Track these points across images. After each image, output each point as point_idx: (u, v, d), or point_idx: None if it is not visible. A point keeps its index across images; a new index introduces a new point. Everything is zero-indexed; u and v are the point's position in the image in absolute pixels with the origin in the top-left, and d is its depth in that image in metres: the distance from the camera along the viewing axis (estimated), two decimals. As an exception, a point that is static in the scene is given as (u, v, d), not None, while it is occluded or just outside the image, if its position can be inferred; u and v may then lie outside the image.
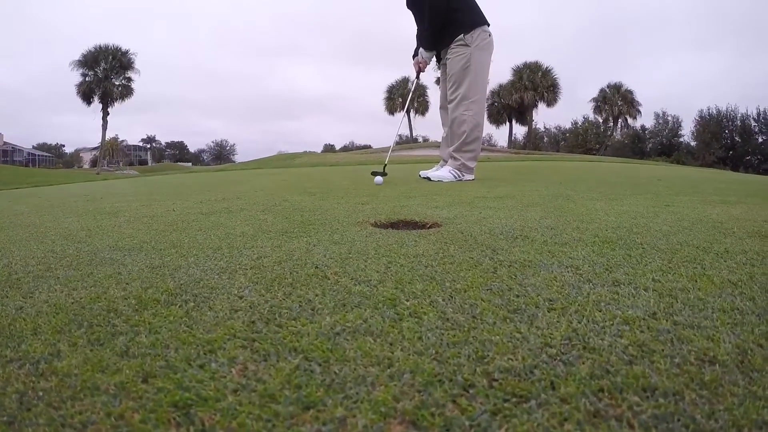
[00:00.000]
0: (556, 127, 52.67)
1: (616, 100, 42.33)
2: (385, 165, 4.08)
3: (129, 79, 40.01)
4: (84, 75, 39.02)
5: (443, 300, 0.83)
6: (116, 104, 39.65)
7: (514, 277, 0.96)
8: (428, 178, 3.83)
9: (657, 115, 40.65)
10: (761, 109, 33.96)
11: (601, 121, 44.44)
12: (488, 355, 0.62)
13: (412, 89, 6.09)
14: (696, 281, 0.92)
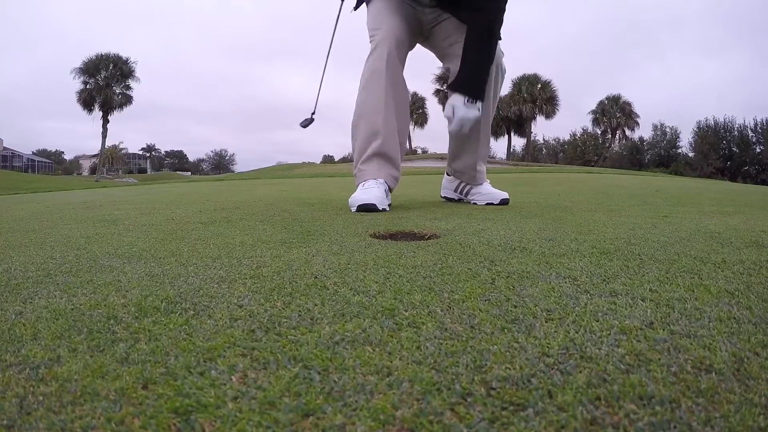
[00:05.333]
0: (554, 139, 52.96)
1: (614, 113, 42.60)
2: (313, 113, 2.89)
3: (128, 87, 40.23)
4: (85, 83, 39.23)
5: (441, 310, 0.83)
6: (115, 112, 39.85)
7: (512, 287, 0.97)
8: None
9: (655, 127, 40.91)
10: (759, 120, 34.22)
11: (599, 133, 44.68)
12: (486, 365, 0.62)
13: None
14: (693, 291, 0.93)
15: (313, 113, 2.84)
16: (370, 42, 2.43)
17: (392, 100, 2.37)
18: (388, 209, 2.30)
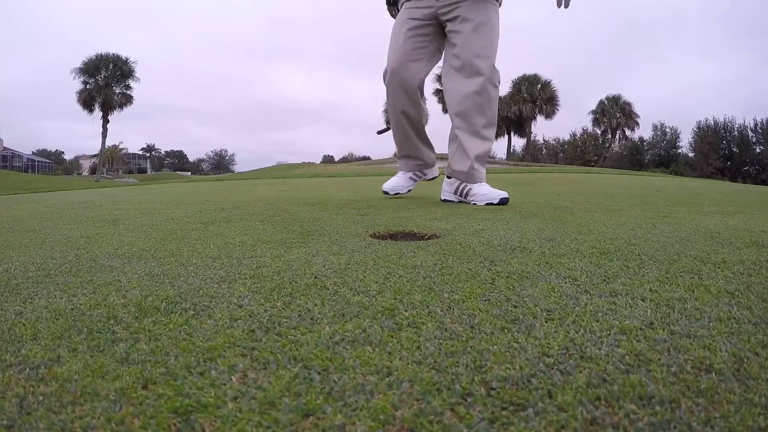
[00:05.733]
0: (554, 139, 52.94)
1: (614, 113, 42.62)
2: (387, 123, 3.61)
3: (128, 87, 40.24)
4: (85, 83, 39.22)
5: (441, 310, 0.83)
6: (115, 112, 39.85)
7: (512, 287, 0.97)
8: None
9: (655, 127, 40.89)
10: (759, 120, 34.21)
11: (599, 133, 44.69)
12: (486, 365, 0.62)
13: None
14: (693, 291, 0.93)
15: (388, 122, 3.31)
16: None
17: (401, 115, 2.87)
18: (409, 191, 3.15)
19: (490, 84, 2.63)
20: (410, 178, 3.08)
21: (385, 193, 3.07)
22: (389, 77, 2.77)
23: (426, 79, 2.89)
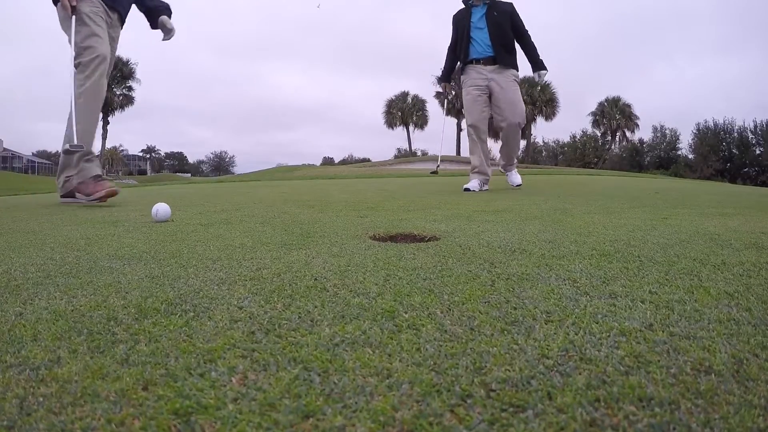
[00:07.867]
0: (554, 141, 52.90)
1: (614, 114, 42.63)
2: (438, 166, 5.62)
3: (130, 89, 40.30)
4: (85, 84, 39.26)
5: (441, 312, 0.84)
6: (116, 113, 39.87)
7: (511, 289, 0.97)
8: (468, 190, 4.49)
9: (655, 129, 40.78)
10: (758, 121, 34.16)
11: (599, 134, 44.68)
12: (486, 366, 0.62)
13: (445, 108, 6.56)
14: (693, 293, 0.93)
15: (438, 165, 5.55)
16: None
17: (477, 147, 4.54)
18: (483, 190, 4.41)
19: (518, 128, 4.45)
20: (480, 182, 4.60)
21: (466, 189, 4.41)
22: (472, 131, 4.48)
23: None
